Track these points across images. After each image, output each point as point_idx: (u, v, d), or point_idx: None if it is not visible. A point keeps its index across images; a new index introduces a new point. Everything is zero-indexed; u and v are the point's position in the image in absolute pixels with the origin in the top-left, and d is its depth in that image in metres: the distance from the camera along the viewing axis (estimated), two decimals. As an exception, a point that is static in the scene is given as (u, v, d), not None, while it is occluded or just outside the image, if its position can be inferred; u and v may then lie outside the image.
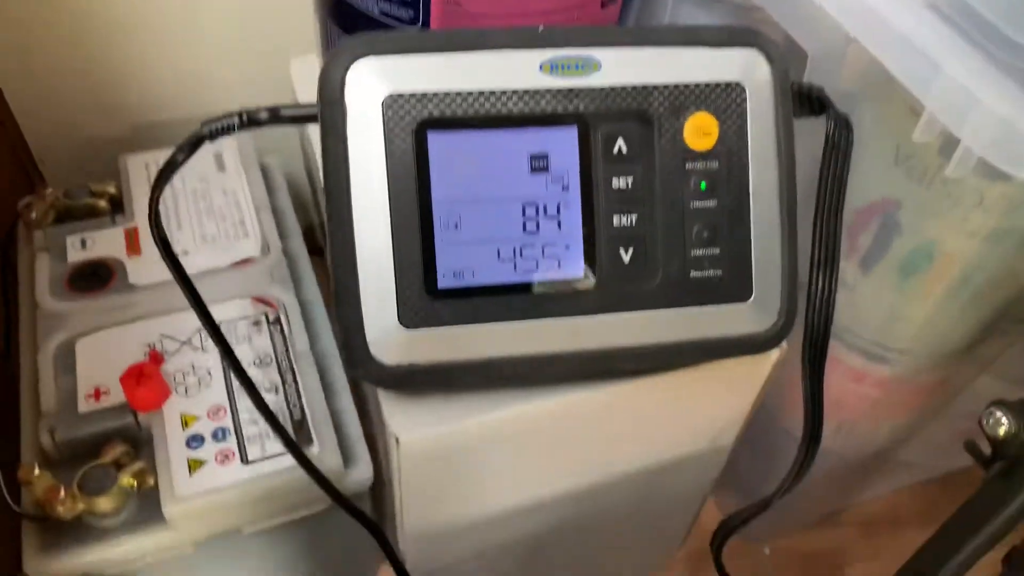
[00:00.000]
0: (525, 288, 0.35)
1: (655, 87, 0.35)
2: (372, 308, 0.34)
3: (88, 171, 0.58)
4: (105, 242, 0.54)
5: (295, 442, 0.41)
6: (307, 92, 0.54)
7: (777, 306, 0.37)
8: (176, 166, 0.33)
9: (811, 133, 0.38)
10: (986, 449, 0.37)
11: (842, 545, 0.76)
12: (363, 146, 0.33)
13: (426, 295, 0.34)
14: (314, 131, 0.35)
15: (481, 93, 0.34)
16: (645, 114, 0.35)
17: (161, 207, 0.34)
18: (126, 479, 0.42)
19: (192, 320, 0.49)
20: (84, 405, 0.45)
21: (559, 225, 0.35)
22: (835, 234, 0.36)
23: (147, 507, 0.43)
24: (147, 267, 0.52)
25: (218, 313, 0.50)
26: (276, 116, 0.34)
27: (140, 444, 0.45)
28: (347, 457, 0.46)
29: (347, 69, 0.33)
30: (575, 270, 0.36)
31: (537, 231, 0.35)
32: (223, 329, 0.49)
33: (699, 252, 0.36)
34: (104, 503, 0.42)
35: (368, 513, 0.45)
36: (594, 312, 0.36)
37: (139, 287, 0.51)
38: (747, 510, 0.43)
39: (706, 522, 0.61)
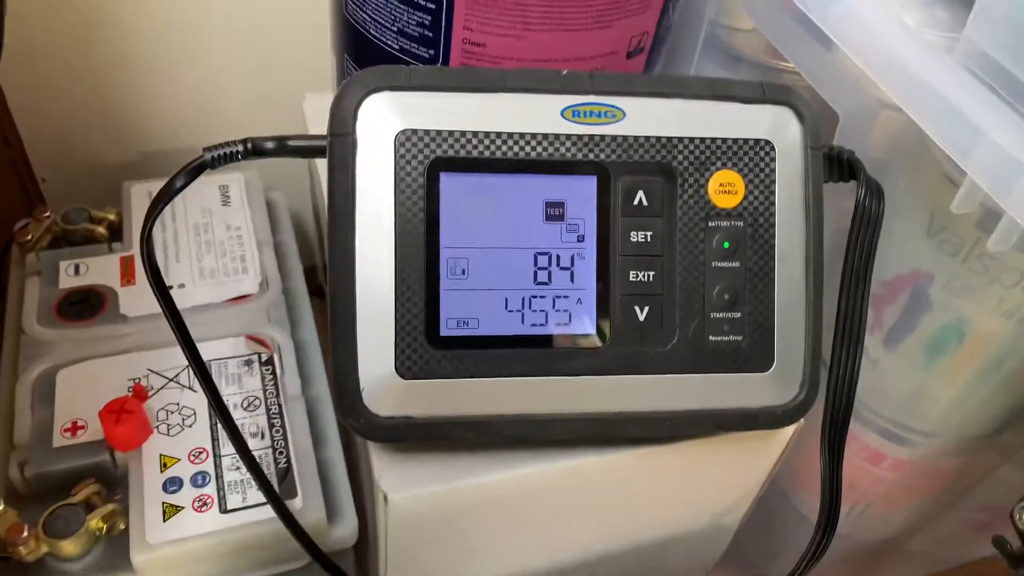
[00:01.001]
0: (532, 342, 0.33)
1: (680, 140, 0.34)
2: (368, 352, 0.32)
3: (90, 196, 0.57)
4: (99, 269, 0.52)
5: (277, 495, 0.39)
6: (320, 129, 0.53)
7: (799, 379, 0.35)
8: (175, 191, 0.32)
9: (837, 199, 0.36)
10: (1015, 543, 0.35)
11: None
12: (372, 182, 0.32)
13: (426, 343, 0.32)
14: (323, 168, 0.33)
15: (499, 135, 0.32)
16: (668, 167, 0.34)
17: (161, 239, 0.33)
18: (95, 522, 0.40)
19: (181, 356, 0.47)
20: (59, 439, 0.43)
21: (572, 277, 0.34)
22: (862, 307, 0.35)
23: (115, 553, 0.40)
24: (140, 298, 0.50)
25: (209, 350, 0.48)
26: (282, 146, 0.33)
27: (114, 484, 0.42)
28: (331, 512, 0.43)
29: (361, 101, 0.32)
30: (587, 326, 0.34)
31: (548, 282, 0.33)
32: (212, 367, 0.47)
33: (719, 315, 0.34)
34: (69, 546, 0.39)
35: (350, 573, 0.42)
36: (604, 372, 0.34)
37: (130, 318, 0.49)
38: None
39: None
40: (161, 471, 0.42)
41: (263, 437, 0.44)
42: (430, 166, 0.32)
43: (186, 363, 0.47)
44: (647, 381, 0.34)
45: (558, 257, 0.33)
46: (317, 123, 0.55)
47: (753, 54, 0.48)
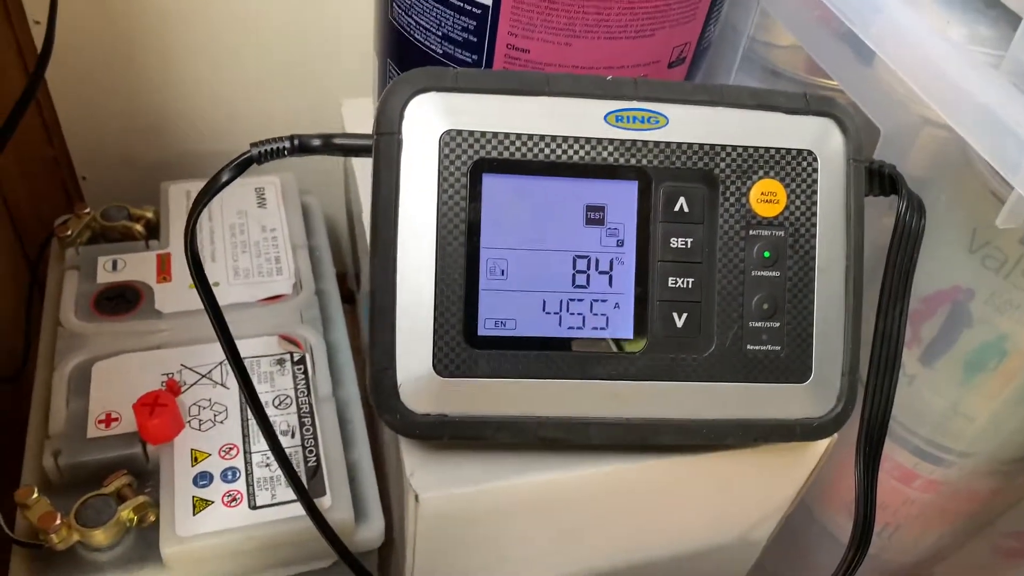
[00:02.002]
0: (568, 345, 0.33)
1: (723, 147, 0.34)
2: (406, 349, 0.32)
3: (129, 194, 0.57)
4: (136, 265, 0.52)
5: (307, 492, 0.39)
6: (357, 134, 0.54)
7: (836, 391, 0.35)
8: (221, 185, 0.32)
9: (876, 217, 0.36)
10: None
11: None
12: (416, 181, 0.32)
13: (464, 342, 0.32)
14: (360, 171, 0.34)
15: (542, 138, 0.33)
16: (710, 174, 0.34)
17: (197, 238, 0.33)
18: (126, 512, 0.40)
19: (215, 353, 0.48)
20: (93, 430, 0.43)
21: (610, 281, 0.34)
22: (901, 321, 0.34)
23: (144, 544, 0.41)
24: (176, 294, 0.51)
25: (242, 348, 0.48)
26: (328, 144, 0.33)
27: (145, 476, 0.43)
28: (359, 512, 0.43)
29: (407, 101, 0.32)
30: (624, 330, 0.34)
31: (587, 285, 0.33)
32: (245, 364, 0.47)
33: (757, 324, 0.34)
34: (100, 536, 0.39)
35: (374, 574, 0.42)
36: (640, 378, 0.34)
37: (165, 314, 0.50)
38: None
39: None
40: (192, 465, 0.43)
41: (293, 436, 0.45)
42: (473, 167, 0.32)
43: (219, 360, 0.47)
44: (683, 388, 0.34)
45: (597, 261, 0.33)
46: (355, 128, 0.56)
47: (792, 70, 0.48)
